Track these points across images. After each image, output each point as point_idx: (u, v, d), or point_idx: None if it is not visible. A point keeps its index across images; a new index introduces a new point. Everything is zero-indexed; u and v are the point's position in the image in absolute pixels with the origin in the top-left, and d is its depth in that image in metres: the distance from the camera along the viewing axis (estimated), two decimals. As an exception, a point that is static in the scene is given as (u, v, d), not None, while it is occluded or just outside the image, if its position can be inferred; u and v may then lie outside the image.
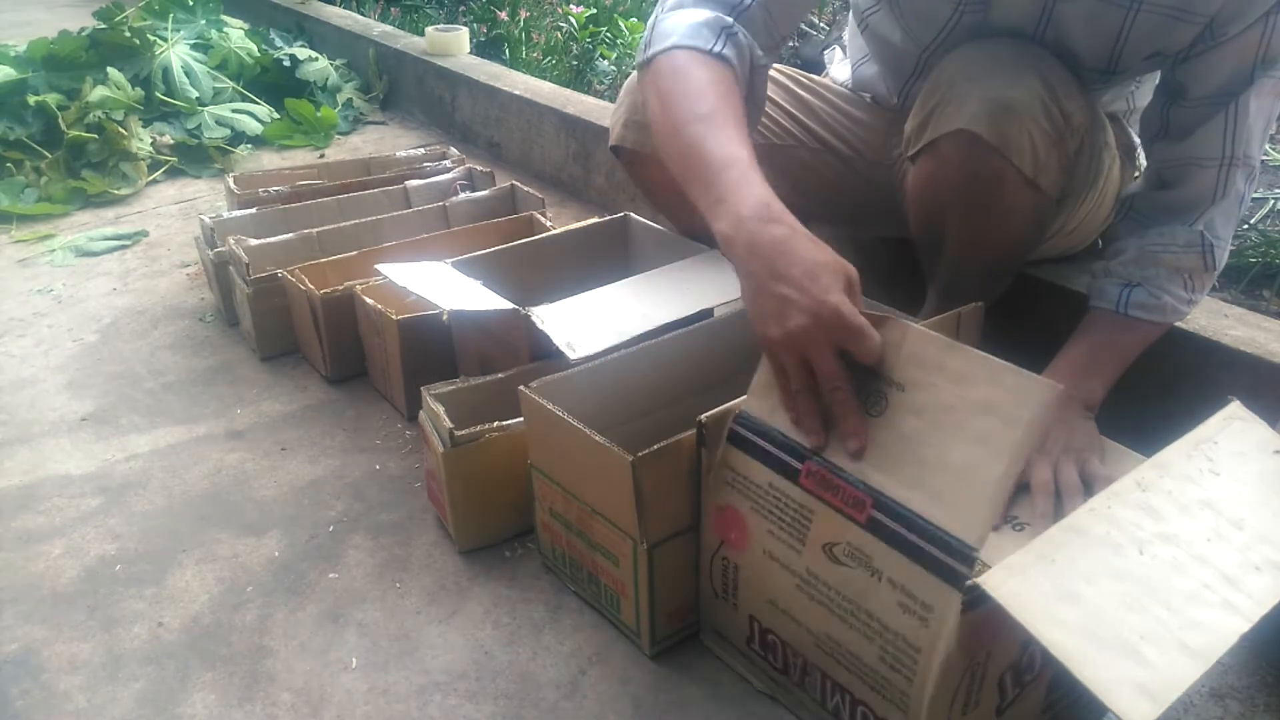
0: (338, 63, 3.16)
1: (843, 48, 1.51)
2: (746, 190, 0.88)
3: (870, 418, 0.85)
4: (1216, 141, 1.06)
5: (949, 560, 0.77)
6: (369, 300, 1.50)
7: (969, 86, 1.07)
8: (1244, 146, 1.06)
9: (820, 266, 0.83)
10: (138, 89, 2.67)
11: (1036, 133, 1.06)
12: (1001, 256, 1.18)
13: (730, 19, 1.00)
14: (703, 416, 0.95)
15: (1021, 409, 0.76)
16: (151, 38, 2.79)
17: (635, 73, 1.40)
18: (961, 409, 0.80)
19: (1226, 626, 0.73)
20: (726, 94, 0.96)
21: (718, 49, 0.98)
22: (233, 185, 1.93)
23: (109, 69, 2.63)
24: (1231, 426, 0.91)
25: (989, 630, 0.78)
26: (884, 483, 0.84)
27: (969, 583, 0.73)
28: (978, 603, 0.74)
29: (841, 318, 0.81)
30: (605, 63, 3.08)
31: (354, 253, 1.66)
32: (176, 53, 2.80)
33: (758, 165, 0.91)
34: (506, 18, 3.27)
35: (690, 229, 1.53)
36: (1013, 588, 0.72)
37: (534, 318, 1.26)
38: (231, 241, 1.67)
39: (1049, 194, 1.12)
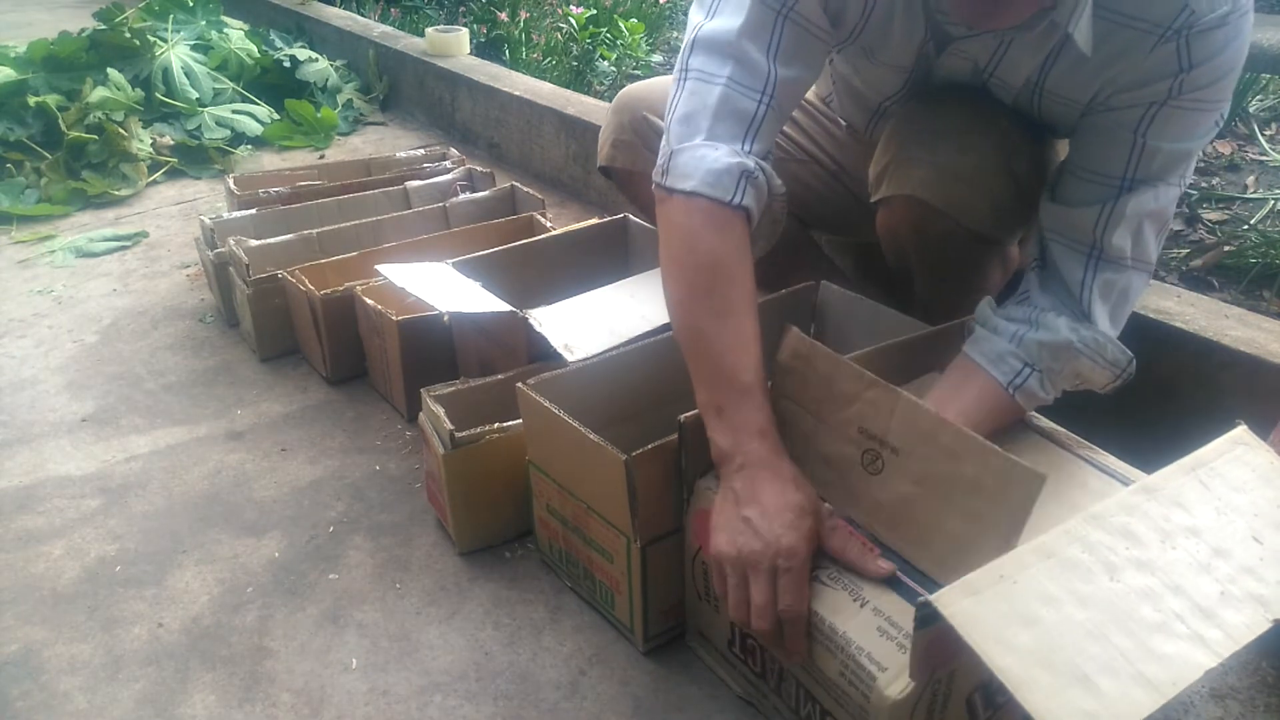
0: (338, 63, 3.17)
1: None
2: (750, 412, 0.92)
3: (869, 475, 0.90)
4: (1088, 228, 1.01)
5: None
6: (369, 301, 1.50)
7: (918, 151, 1.09)
8: (1118, 239, 1.00)
9: (790, 507, 0.88)
10: (138, 90, 2.67)
11: (987, 194, 1.07)
12: (968, 290, 1.19)
13: (751, 162, 0.98)
14: (683, 417, 0.96)
15: (1007, 492, 0.79)
16: (151, 39, 2.79)
17: (621, 93, 1.40)
18: (953, 483, 0.83)
19: (1191, 661, 0.69)
20: (740, 272, 0.97)
21: (737, 200, 0.97)
22: (233, 186, 1.93)
23: (109, 70, 2.63)
24: (1235, 451, 0.87)
25: (945, 649, 0.77)
26: (885, 535, 0.88)
27: (920, 599, 0.72)
28: (929, 620, 0.72)
29: (790, 554, 0.86)
30: (605, 63, 3.08)
31: (354, 253, 1.67)
32: (177, 54, 2.80)
33: (764, 379, 0.93)
34: (506, 18, 3.27)
35: None
36: (965, 607, 0.69)
37: (532, 320, 1.26)
38: (231, 242, 1.67)
39: (1006, 243, 1.14)
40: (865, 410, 0.89)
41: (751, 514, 0.88)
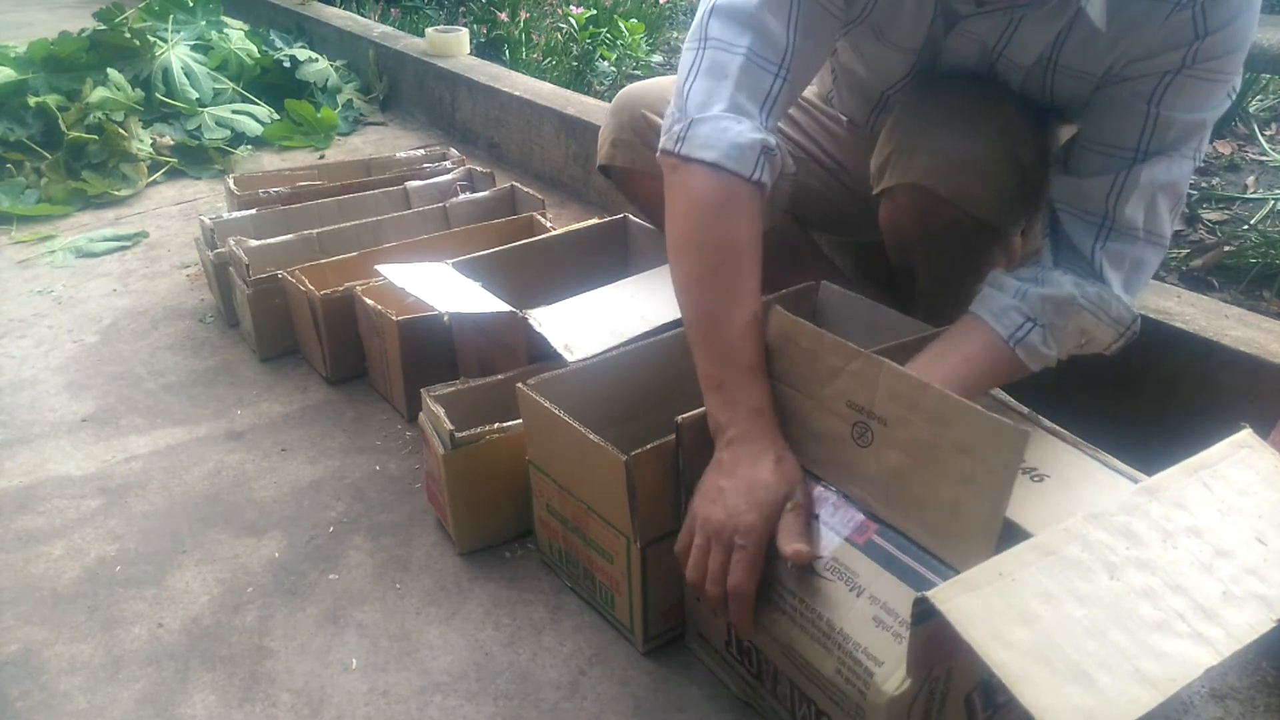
0: (338, 64, 3.17)
1: None
2: (750, 390, 0.94)
3: (859, 448, 0.89)
4: (1100, 199, 1.01)
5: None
6: (369, 301, 1.50)
7: (922, 139, 1.09)
8: (1130, 211, 1.00)
9: (759, 485, 0.90)
10: (138, 90, 2.67)
11: (992, 181, 1.07)
12: (971, 281, 1.19)
13: (772, 139, 0.99)
14: (680, 418, 0.96)
15: (995, 451, 0.78)
16: (152, 39, 2.79)
17: (621, 93, 1.40)
18: (941, 447, 0.82)
19: (1192, 658, 0.69)
20: (752, 250, 0.98)
21: (756, 175, 0.97)
22: (233, 186, 1.93)
23: (109, 70, 2.63)
24: (1238, 454, 0.86)
25: (943, 645, 0.77)
26: (883, 511, 0.88)
27: (917, 595, 0.72)
28: (926, 616, 0.72)
29: (746, 533, 0.88)
30: (605, 63, 3.08)
31: (354, 254, 1.67)
32: (177, 54, 2.80)
33: (764, 359, 0.96)
34: (506, 19, 3.27)
35: None
36: (962, 604, 0.69)
37: (532, 320, 1.26)
38: (231, 242, 1.67)
39: (1009, 232, 1.14)
40: (851, 383, 0.89)
41: (725, 485, 0.91)
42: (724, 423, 0.94)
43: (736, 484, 0.90)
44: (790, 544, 0.86)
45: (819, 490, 0.92)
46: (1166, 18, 0.92)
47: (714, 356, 0.95)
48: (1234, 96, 0.99)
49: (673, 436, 0.97)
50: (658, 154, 1.03)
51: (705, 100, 0.99)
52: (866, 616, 0.82)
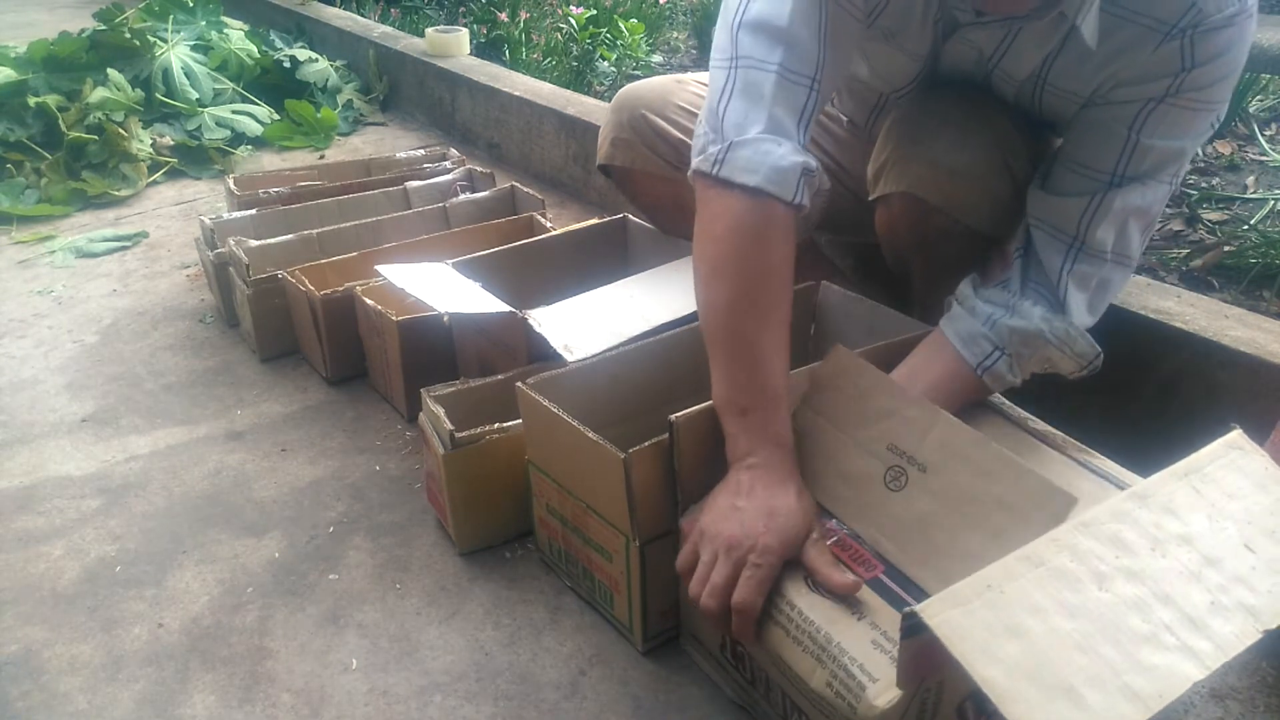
0: (338, 64, 3.17)
1: None
2: (774, 420, 0.94)
3: (889, 491, 0.90)
4: (1073, 220, 1.02)
5: None
6: (369, 301, 1.50)
7: (916, 148, 1.10)
8: (1098, 231, 1.02)
9: (782, 511, 0.90)
10: (138, 90, 2.67)
11: (985, 191, 1.08)
12: None
13: (813, 161, 0.99)
14: (673, 417, 0.96)
15: (1039, 512, 0.79)
16: (152, 39, 2.79)
17: (621, 92, 1.40)
18: (982, 500, 0.83)
19: (1179, 673, 0.68)
20: (788, 278, 0.98)
21: (798, 199, 0.97)
22: (233, 186, 1.93)
23: (109, 70, 2.63)
24: (1229, 457, 0.85)
25: (933, 658, 0.76)
26: (894, 554, 0.89)
27: (906, 609, 0.71)
28: (915, 630, 0.71)
29: (764, 553, 0.88)
30: (605, 64, 3.08)
31: (354, 254, 1.67)
32: (177, 54, 2.80)
33: (788, 386, 0.96)
34: (506, 19, 3.27)
35: (684, 235, 1.53)
36: (950, 618, 0.68)
37: (532, 320, 1.26)
38: (231, 243, 1.67)
39: (1004, 240, 1.14)
40: (900, 426, 0.90)
41: (744, 505, 0.90)
42: (746, 450, 0.93)
43: (756, 505, 0.90)
44: (837, 574, 0.86)
45: (830, 525, 0.93)
46: (1157, 46, 0.93)
47: (738, 380, 0.95)
48: (1217, 125, 1.00)
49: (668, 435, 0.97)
50: (690, 174, 1.02)
51: (742, 121, 0.98)
52: (865, 638, 0.82)
